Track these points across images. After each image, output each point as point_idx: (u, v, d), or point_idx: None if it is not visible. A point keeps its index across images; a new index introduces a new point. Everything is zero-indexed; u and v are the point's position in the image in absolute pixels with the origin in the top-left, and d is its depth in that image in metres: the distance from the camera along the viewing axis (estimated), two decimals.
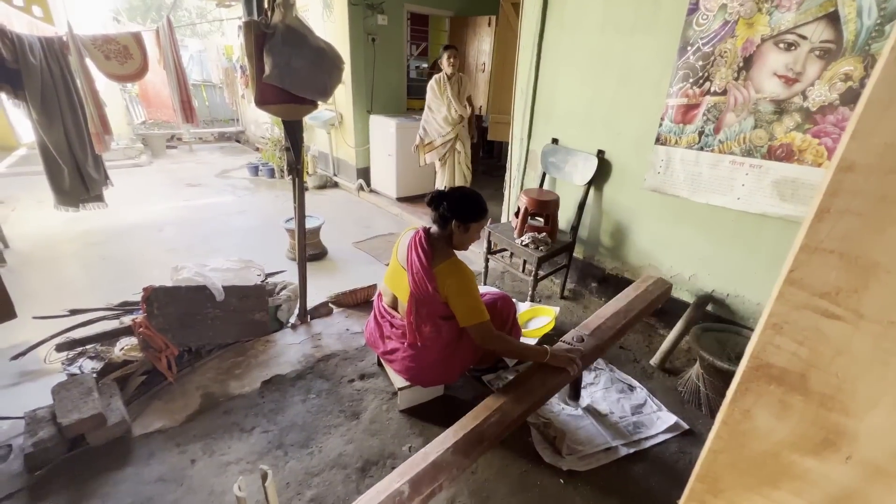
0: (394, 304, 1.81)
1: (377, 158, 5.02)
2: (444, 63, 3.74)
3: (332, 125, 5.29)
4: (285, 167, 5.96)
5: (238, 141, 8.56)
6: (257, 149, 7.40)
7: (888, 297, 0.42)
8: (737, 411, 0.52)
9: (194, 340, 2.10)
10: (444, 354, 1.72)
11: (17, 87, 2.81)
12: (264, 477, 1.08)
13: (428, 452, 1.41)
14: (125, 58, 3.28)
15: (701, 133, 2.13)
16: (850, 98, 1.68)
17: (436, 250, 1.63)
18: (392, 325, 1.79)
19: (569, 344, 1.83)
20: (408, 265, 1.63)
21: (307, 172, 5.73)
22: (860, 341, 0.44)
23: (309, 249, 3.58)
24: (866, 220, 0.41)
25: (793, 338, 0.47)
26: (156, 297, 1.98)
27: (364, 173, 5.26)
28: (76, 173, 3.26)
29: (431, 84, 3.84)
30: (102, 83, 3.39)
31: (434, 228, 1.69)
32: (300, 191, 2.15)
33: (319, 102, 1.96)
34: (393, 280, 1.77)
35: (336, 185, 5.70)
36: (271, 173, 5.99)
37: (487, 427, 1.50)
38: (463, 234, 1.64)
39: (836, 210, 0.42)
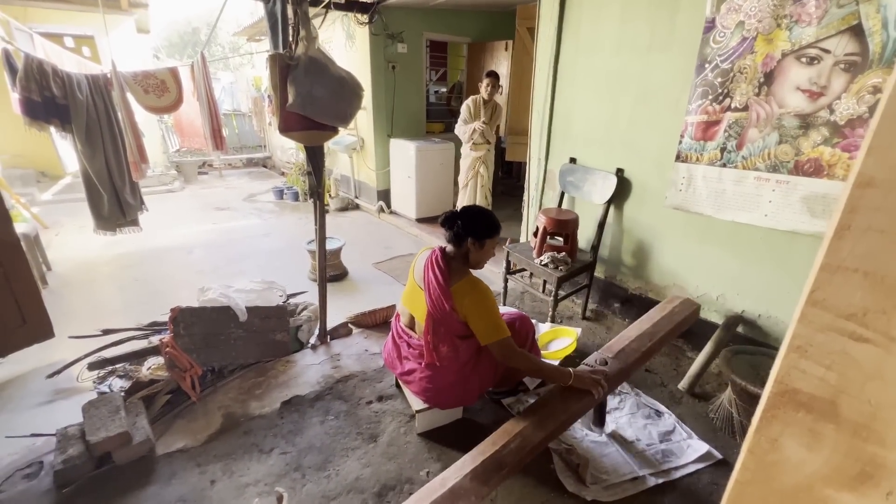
0: (411, 325, 1.81)
1: (397, 181, 5.13)
2: (482, 88, 3.86)
3: (353, 149, 5.45)
4: (308, 191, 6.17)
5: (265, 166, 8.90)
6: (283, 173, 7.69)
7: None
8: (763, 440, 0.49)
9: (218, 360, 2.14)
10: (461, 375, 1.70)
11: (64, 121, 3.02)
12: (280, 499, 1.07)
13: (446, 478, 1.38)
14: (162, 91, 3.50)
15: (723, 149, 2.09)
16: None
17: (452, 269, 1.64)
18: (409, 346, 1.79)
19: (591, 367, 1.78)
20: (424, 284, 1.64)
21: (329, 195, 5.88)
22: (894, 366, 0.41)
23: (330, 270, 3.65)
24: (890, 237, 0.39)
25: (819, 362, 0.44)
26: (182, 318, 2.05)
27: (384, 195, 5.37)
28: (115, 199, 3.45)
29: (468, 102, 4.00)
30: (141, 115, 3.62)
31: (449, 248, 1.70)
32: (321, 214, 2.20)
33: (340, 128, 2.03)
34: (410, 300, 1.77)
35: (357, 206, 5.83)
36: (295, 197, 6.18)
37: (507, 453, 1.45)
38: (478, 251, 1.65)
39: (856, 227, 0.40)
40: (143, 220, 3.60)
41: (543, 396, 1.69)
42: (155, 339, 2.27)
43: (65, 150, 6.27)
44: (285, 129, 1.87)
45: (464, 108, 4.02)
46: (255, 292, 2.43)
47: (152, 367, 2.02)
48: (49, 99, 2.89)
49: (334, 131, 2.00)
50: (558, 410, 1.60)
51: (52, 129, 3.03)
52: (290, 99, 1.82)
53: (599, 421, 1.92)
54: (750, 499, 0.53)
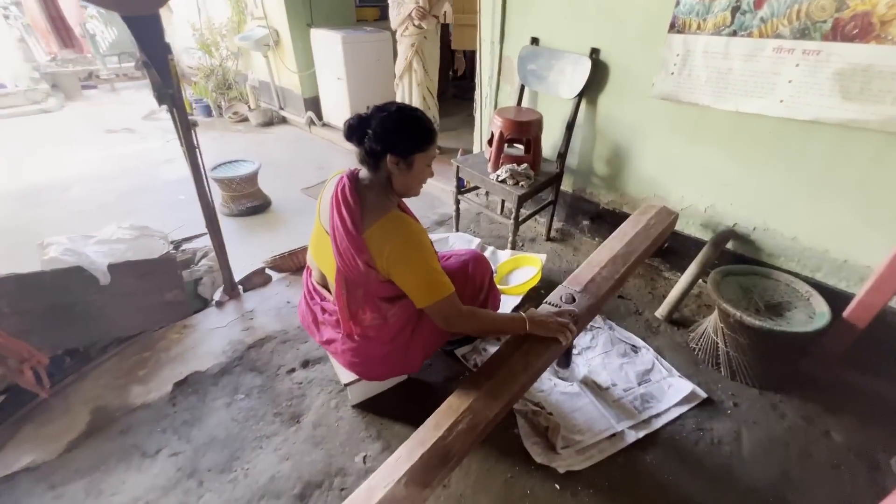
0: (324, 282, 1.32)
1: (326, 84, 4.23)
2: None
3: (266, 45, 4.38)
4: (223, 103, 5.09)
5: None
6: (190, 83, 6.37)
7: None
8: None
9: (76, 340, 1.61)
10: (396, 344, 1.27)
11: None
12: None
13: (373, 487, 1.02)
14: None
15: (735, 9, 1.54)
16: None
17: (367, 204, 1.10)
18: (324, 310, 1.32)
19: (556, 306, 1.40)
20: (330, 229, 1.12)
21: (248, 107, 4.90)
22: None
23: (247, 201, 3.01)
24: None
25: None
26: (3, 292, 1.45)
27: (313, 104, 4.48)
28: None
29: None
30: None
31: (363, 172, 1.15)
32: (184, 127, 1.54)
33: None
34: (317, 250, 1.26)
35: (284, 120, 4.91)
36: (207, 111, 5.14)
37: (454, 438, 1.09)
38: (405, 172, 1.10)
39: None
40: (7, 150, 2.71)
41: (500, 351, 1.31)
42: None
43: None
44: None
45: None
46: (123, 242, 1.83)
47: None
48: None
49: None
50: (517, 370, 1.23)
51: None
52: None
53: (565, 363, 1.60)
54: None
